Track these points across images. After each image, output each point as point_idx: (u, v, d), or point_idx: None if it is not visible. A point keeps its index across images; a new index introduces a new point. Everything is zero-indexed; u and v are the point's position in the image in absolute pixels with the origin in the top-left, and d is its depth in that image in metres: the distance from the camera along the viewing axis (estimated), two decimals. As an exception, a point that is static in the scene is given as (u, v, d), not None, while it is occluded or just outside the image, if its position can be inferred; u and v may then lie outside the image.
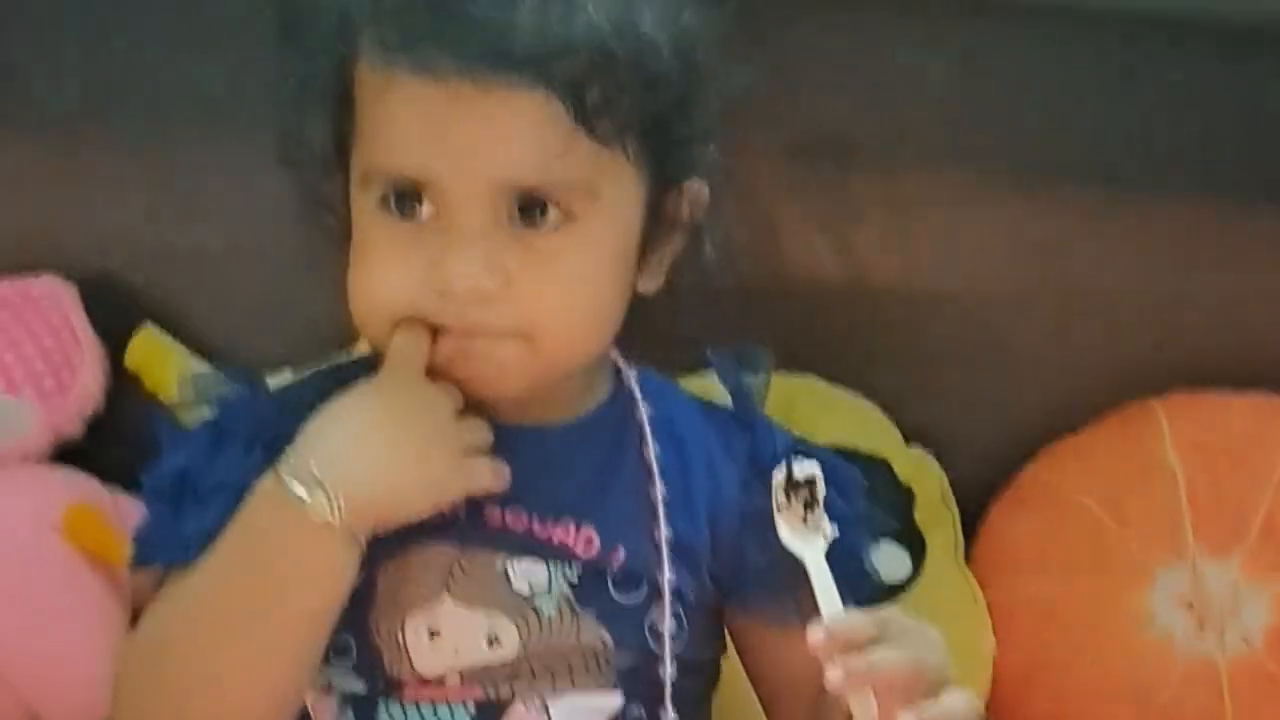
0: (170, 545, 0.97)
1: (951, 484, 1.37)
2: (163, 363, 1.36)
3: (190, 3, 1.36)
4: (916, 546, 1.32)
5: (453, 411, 0.95)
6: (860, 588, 0.98)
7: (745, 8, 0.98)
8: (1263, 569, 1.28)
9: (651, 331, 1.05)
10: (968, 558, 1.36)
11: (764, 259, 1.35)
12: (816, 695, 1.03)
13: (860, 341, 1.39)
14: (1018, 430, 1.38)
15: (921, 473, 1.35)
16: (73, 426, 1.35)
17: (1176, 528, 1.29)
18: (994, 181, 1.36)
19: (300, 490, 0.91)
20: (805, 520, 0.96)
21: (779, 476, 0.97)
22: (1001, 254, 1.38)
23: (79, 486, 1.31)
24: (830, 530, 0.96)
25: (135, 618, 1.24)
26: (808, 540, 0.95)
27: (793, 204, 1.35)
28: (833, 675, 0.87)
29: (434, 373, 0.96)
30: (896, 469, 1.33)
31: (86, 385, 1.35)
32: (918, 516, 1.33)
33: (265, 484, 0.93)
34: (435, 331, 0.95)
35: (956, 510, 1.36)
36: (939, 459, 1.37)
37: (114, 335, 1.37)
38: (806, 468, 0.96)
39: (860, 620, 0.90)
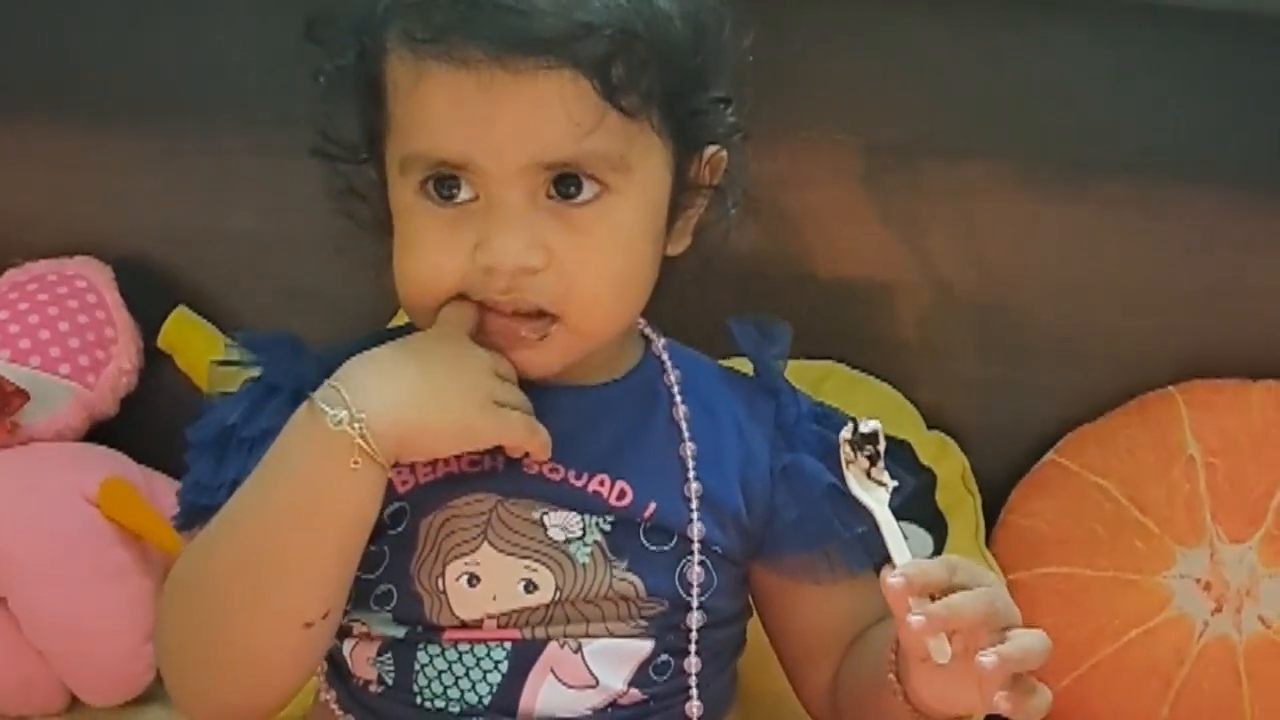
0: (213, 491, 1.02)
1: (973, 469, 1.40)
2: (195, 343, 1.41)
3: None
4: (938, 527, 1.35)
5: (490, 368, 1.00)
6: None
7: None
8: (1279, 552, 1.31)
9: (680, 319, 1.11)
10: (989, 541, 1.39)
11: (788, 250, 1.38)
12: (845, 649, 1.07)
13: (884, 330, 1.42)
14: (1039, 417, 1.42)
15: (943, 456, 1.39)
16: (107, 405, 1.38)
17: (1195, 512, 1.33)
18: (1015, 173, 1.39)
19: (325, 407, 0.95)
20: (869, 474, 1.01)
21: (846, 433, 1.02)
22: (1023, 244, 1.41)
23: (113, 464, 1.35)
24: (890, 482, 1.01)
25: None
26: (873, 492, 1.00)
27: (816, 196, 1.37)
28: (912, 620, 0.91)
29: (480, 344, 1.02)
30: (918, 452, 1.36)
31: (121, 364, 1.39)
32: (939, 499, 1.36)
33: (299, 411, 0.98)
34: (481, 310, 1.01)
35: (978, 493, 1.39)
36: (961, 445, 1.41)
37: (148, 316, 1.41)
38: (870, 424, 1.01)
39: (934, 565, 0.94)
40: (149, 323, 1.40)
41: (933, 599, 0.92)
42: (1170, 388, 1.39)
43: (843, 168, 1.38)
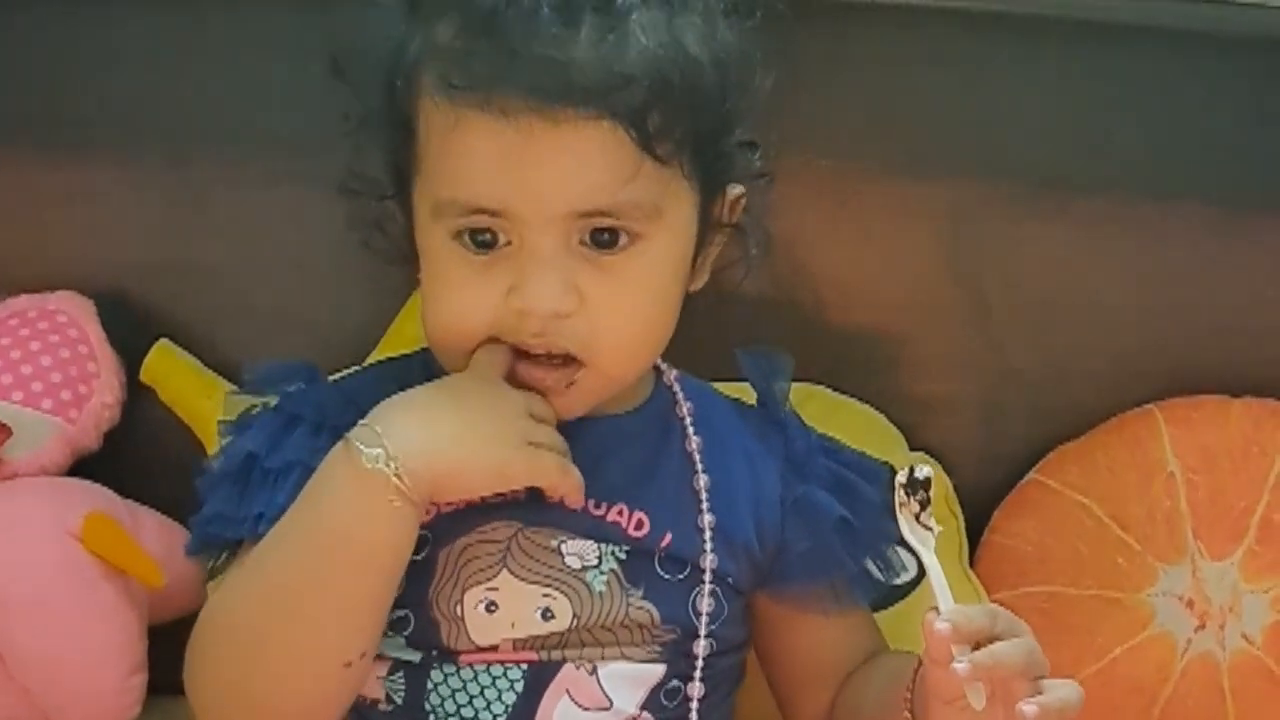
0: (238, 523, 1.03)
1: (956, 490, 1.42)
2: (178, 377, 1.41)
3: (203, 23, 1.40)
4: (922, 549, 1.35)
5: (525, 409, 1.02)
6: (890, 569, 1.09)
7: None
8: (1261, 568, 1.34)
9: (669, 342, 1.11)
10: (972, 561, 1.41)
11: (770, 273, 1.38)
12: (842, 681, 1.08)
13: (865, 351, 1.44)
14: (1021, 436, 1.44)
15: (926, 477, 1.39)
16: (90, 440, 1.38)
17: (1176, 529, 1.35)
18: (994, 194, 1.41)
19: (361, 446, 0.97)
20: (918, 518, 1.02)
21: (901, 477, 1.02)
22: (1003, 264, 1.42)
23: (96, 498, 1.35)
24: (937, 528, 1.02)
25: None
26: (922, 537, 1.01)
27: (795, 220, 1.38)
28: (958, 667, 0.92)
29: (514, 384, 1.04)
30: (901, 474, 1.37)
31: (104, 399, 1.39)
32: (923, 520, 1.36)
33: (334, 450, 0.99)
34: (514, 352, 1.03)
35: (961, 514, 1.41)
36: (943, 466, 1.42)
37: (130, 350, 1.41)
38: (924, 470, 1.02)
39: (978, 614, 0.96)
40: (131, 357, 1.40)
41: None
42: (1150, 405, 1.40)
43: (822, 191, 1.39)
